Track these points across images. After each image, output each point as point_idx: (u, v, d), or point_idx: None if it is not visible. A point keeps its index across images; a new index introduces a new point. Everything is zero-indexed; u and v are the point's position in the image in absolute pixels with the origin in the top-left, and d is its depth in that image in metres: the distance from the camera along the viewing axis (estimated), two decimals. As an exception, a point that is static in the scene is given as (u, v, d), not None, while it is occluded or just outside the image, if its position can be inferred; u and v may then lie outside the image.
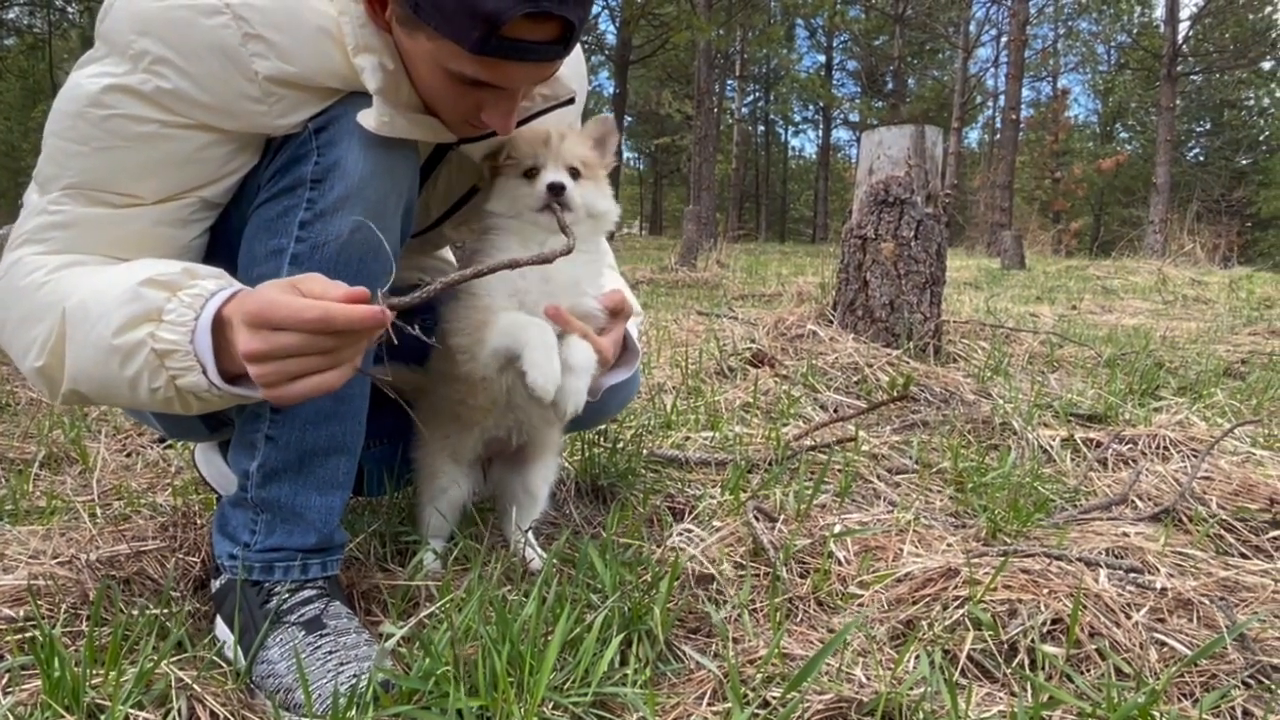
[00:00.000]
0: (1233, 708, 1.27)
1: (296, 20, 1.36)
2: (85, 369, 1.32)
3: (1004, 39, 29.51)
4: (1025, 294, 9.82)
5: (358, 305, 1.14)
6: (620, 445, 2.42)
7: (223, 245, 1.50)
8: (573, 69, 1.71)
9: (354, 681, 1.27)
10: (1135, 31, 32.43)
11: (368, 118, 1.38)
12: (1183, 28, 24.30)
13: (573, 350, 1.58)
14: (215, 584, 1.56)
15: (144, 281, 1.26)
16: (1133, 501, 2.11)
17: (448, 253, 2.22)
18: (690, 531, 1.81)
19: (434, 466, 1.79)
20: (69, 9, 23.78)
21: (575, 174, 1.67)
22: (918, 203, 3.64)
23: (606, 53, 29.13)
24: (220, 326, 1.23)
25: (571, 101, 1.68)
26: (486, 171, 1.74)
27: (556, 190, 1.60)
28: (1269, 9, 31.37)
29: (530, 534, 1.82)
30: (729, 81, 36.69)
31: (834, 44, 43.46)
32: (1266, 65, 34.34)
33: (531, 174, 1.64)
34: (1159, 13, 28.30)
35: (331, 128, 1.41)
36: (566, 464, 2.30)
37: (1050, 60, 39.64)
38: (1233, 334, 6.47)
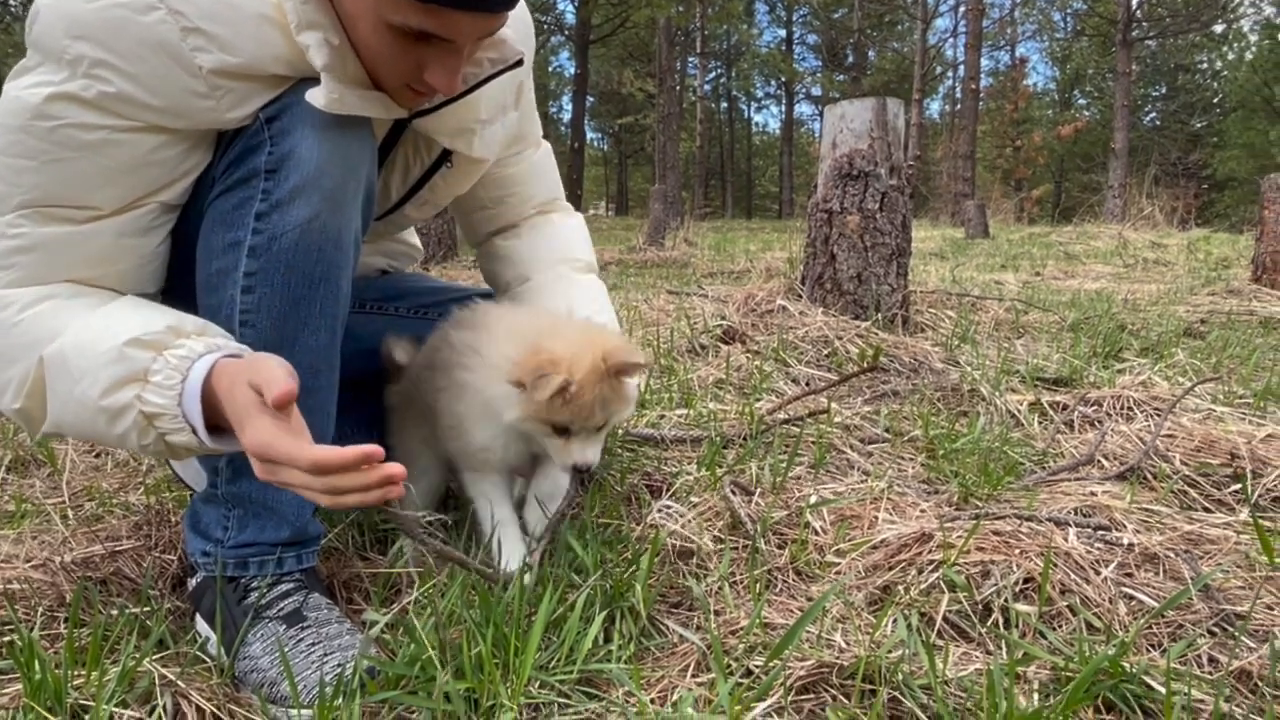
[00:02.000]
0: (1199, 655, 1.31)
1: (235, 9, 1.32)
2: (70, 422, 1.32)
3: (962, 9, 29.67)
4: (990, 262, 9.93)
5: (359, 463, 1.12)
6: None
7: (181, 244, 1.48)
8: (519, 30, 1.67)
9: (339, 670, 1.28)
10: (1091, -2, 32.65)
11: (316, 96, 1.35)
12: (1136, -7, 24.52)
13: (542, 484, 1.69)
14: (192, 582, 1.56)
15: (129, 342, 1.26)
16: (1099, 461, 2.16)
17: (412, 235, 2.19)
18: (669, 508, 1.83)
19: (410, 452, 1.78)
20: (9, 2, 23.04)
21: (602, 426, 1.56)
22: (882, 175, 3.66)
23: (566, 32, 28.90)
24: (209, 390, 1.24)
25: (520, 64, 1.64)
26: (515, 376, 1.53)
27: (584, 470, 1.54)
28: (1220, -27, 31.75)
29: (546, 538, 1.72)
30: (690, 59, 36.55)
31: (794, 18, 43.41)
32: (1219, 29, 34.84)
33: (562, 431, 1.52)
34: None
35: (283, 116, 1.38)
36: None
37: (1008, 29, 39.91)
38: (1192, 295, 6.60)
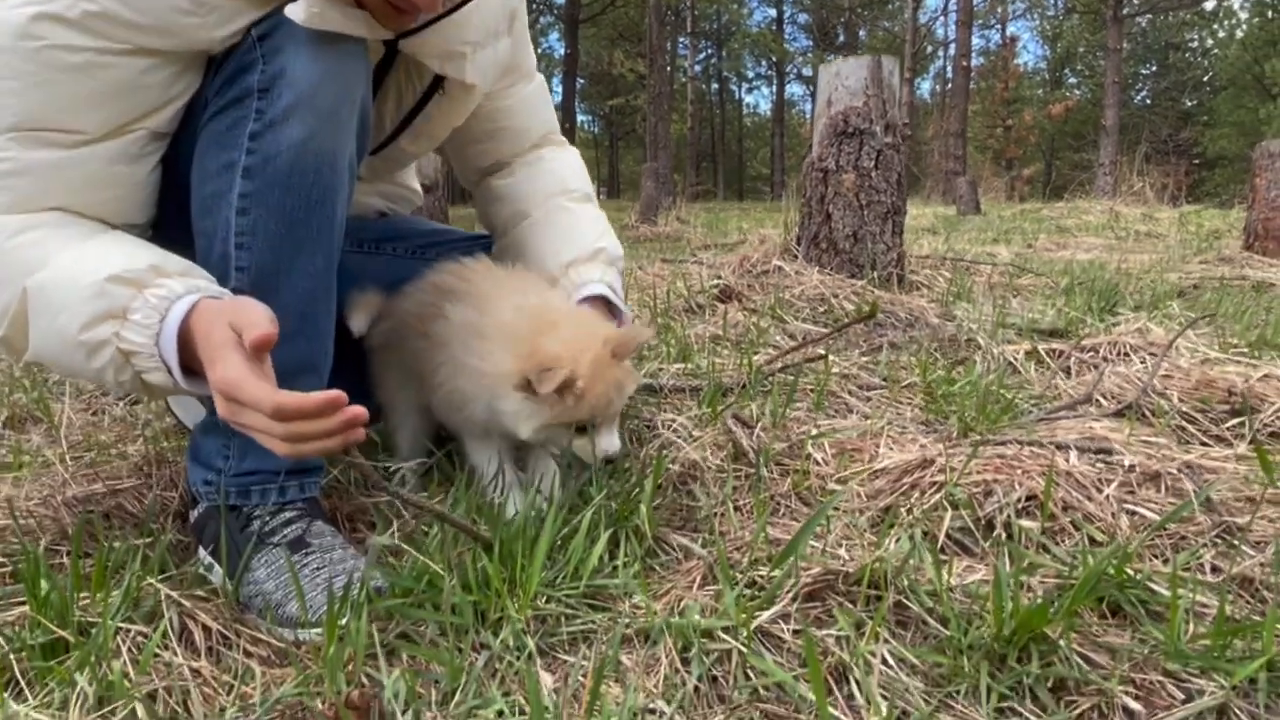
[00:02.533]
0: (1202, 564, 1.32)
1: None
2: (50, 353, 1.31)
3: (953, -13, 29.50)
4: (982, 236, 9.92)
5: (324, 411, 1.11)
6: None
7: (171, 173, 1.46)
8: None
9: (345, 587, 1.27)
10: (1081, -25, 32.58)
11: (296, 10, 1.32)
12: (1127, -31, 24.47)
13: (542, 474, 1.64)
14: (194, 514, 1.55)
15: (110, 278, 1.24)
16: (1097, 400, 2.17)
17: (411, 178, 2.17)
18: (673, 423, 1.83)
19: (393, 398, 1.78)
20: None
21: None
22: (877, 132, 3.65)
23: (556, 12, 28.69)
24: (186, 333, 1.23)
25: None
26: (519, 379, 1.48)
27: (611, 460, 1.52)
28: (1211, -51, 31.73)
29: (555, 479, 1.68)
30: (681, 39, 36.36)
31: (784, -2, 43.23)
32: (1209, 5, 34.82)
33: (582, 429, 1.50)
34: (1104, -45, 28.40)
35: (276, 34, 1.35)
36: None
37: (998, 8, 39.80)
38: (1184, 263, 6.61)
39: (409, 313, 1.72)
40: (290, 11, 1.33)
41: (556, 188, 1.97)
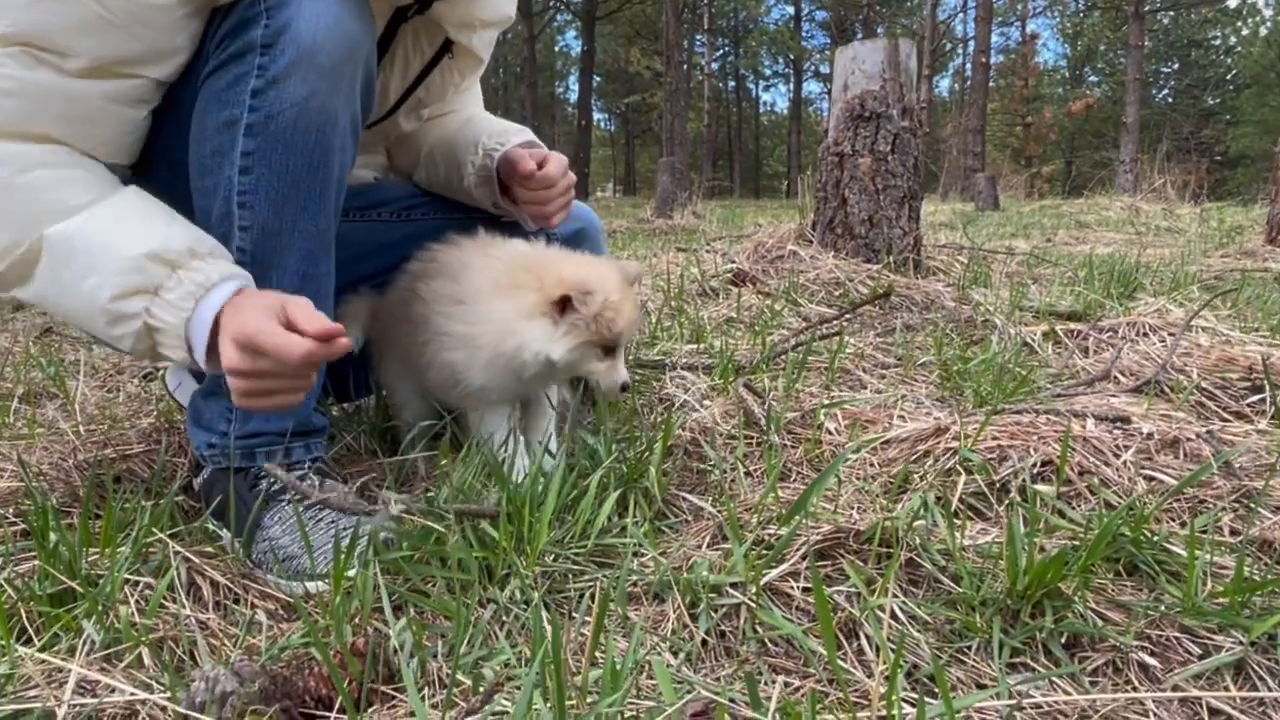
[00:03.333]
0: (1220, 527, 1.30)
1: None
2: (63, 307, 1.31)
3: (972, -17, 29.31)
4: (1000, 231, 9.84)
5: (331, 344, 1.19)
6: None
7: (170, 125, 1.44)
8: None
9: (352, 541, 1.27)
10: (1103, -28, 32.32)
11: None
12: (1149, -35, 24.24)
13: (537, 422, 1.71)
14: (199, 479, 1.54)
15: (149, 254, 1.25)
16: (1115, 377, 2.14)
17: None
18: (685, 391, 1.81)
19: (393, 384, 1.80)
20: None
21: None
22: (894, 116, 3.62)
23: (573, 9, 28.71)
24: (218, 319, 1.26)
25: None
26: (547, 306, 1.49)
27: (627, 389, 1.54)
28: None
29: (552, 439, 1.73)
30: (698, 37, 36.31)
31: (802, -5, 43.07)
32: (1233, 3, 34.44)
33: (609, 351, 1.52)
34: (1125, -49, 28.16)
35: None
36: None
37: (1019, 5, 39.50)
38: (1205, 256, 6.54)
39: (391, 303, 1.75)
40: None
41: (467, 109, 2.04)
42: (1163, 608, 1.10)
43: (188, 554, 1.29)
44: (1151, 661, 1.02)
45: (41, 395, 2.58)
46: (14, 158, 1.27)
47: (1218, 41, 40.28)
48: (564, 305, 1.44)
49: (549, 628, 1.06)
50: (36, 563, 1.24)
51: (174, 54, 1.37)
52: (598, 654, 1.01)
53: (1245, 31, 38.46)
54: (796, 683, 1.02)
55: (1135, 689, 0.99)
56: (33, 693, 0.99)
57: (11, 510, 1.50)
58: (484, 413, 1.63)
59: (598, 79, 40.24)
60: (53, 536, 1.23)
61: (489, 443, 1.58)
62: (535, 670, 0.87)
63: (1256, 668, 1.01)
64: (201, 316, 1.26)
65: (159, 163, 1.46)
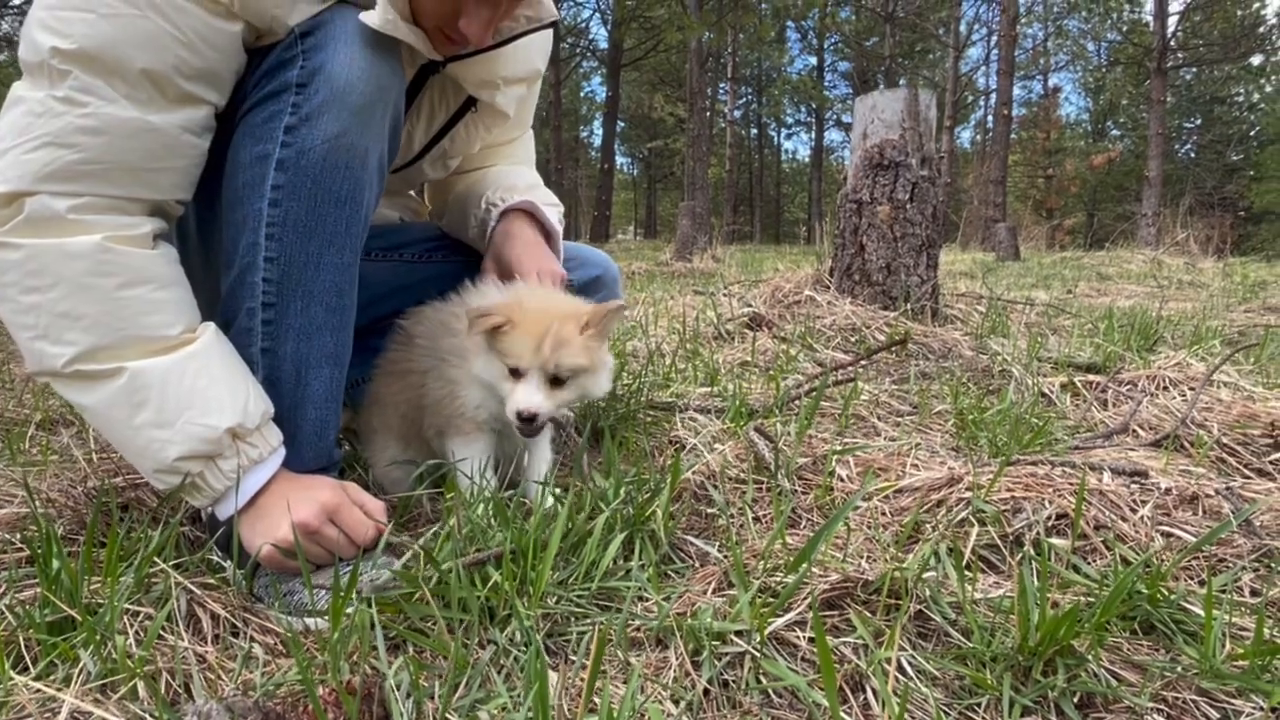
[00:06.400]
0: (1240, 587, 1.26)
1: None
2: (109, 433, 1.37)
3: (994, 37, 29.62)
4: (1021, 282, 9.80)
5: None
6: (620, 394, 2.41)
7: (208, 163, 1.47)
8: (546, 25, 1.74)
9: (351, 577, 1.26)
10: (1125, 29, 32.53)
11: (372, 16, 1.39)
12: (1172, 21, 24.40)
13: (534, 465, 1.72)
14: (207, 510, 1.54)
15: (229, 430, 1.32)
16: (1134, 430, 2.11)
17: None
18: (695, 436, 1.80)
19: (372, 427, 1.81)
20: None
21: (559, 382, 1.54)
22: (912, 165, 3.64)
23: (599, 56, 29.19)
24: (267, 487, 1.38)
25: (555, 25, 1.70)
26: (479, 331, 1.56)
27: (526, 419, 1.51)
28: (1256, 4, 31.55)
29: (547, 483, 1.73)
30: (721, 85, 36.77)
31: (825, 45, 43.55)
32: (1256, 61, 34.50)
33: (515, 374, 1.53)
34: (1148, 6, 28.41)
35: (318, 32, 1.39)
36: (568, 410, 2.29)
37: (1041, 59, 39.78)
38: (1228, 311, 6.47)
39: (391, 362, 1.77)
40: (365, 17, 1.39)
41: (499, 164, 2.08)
42: (1180, 669, 1.06)
43: (189, 585, 1.29)
44: (1168, 725, 0.99)
45: (58, 422, 2.60)
46: (125, 268, 1.30)
47: (1240, 98, 40.32)
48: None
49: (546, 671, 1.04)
50: (38, 590, 1.23)
51: (228, 80, 1.41)
52: (594, 699, 0.99)
53: (1269, 89, 38.49)
54: (799, 736, 1.00)
55: (1150, 753, 0.96)
56: (24, 722, 0.98)
57: (18, 536, 1.50)
58: (461, 442, 1.66)
59: (621, 124, 40.73)
60: (55, 563, 1.23)
61: (459, 468, 1.63)
62: (527, 709, 0.84)
63: (1277, 735, 0.97)
64: (247, 486, 1.36)
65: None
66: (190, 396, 1.32)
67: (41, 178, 1.25)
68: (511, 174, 1.99)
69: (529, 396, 1.50)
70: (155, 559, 1.31)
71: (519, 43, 1.71)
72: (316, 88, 1.37)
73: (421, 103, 1.79)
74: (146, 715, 1.02)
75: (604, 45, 28.46)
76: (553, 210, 1.90)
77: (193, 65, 1.34)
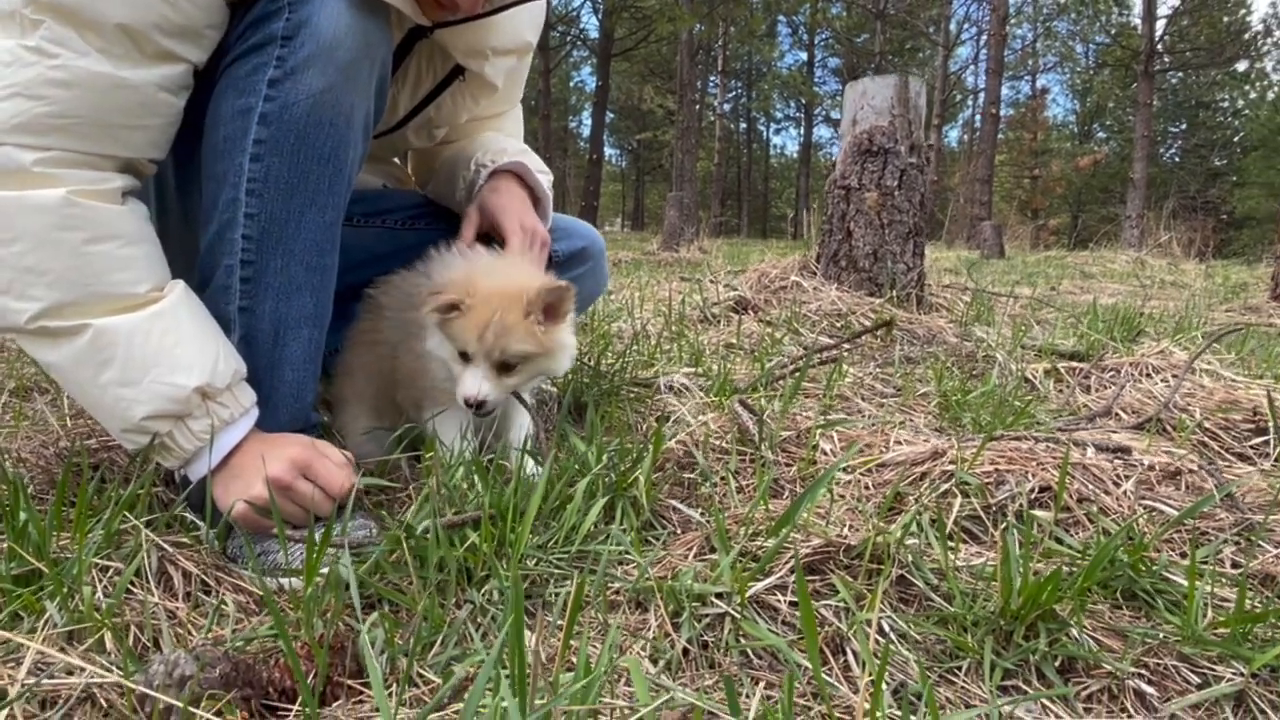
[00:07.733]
0: (1221, 559, 1.26)
1: None
2: (77, 391, 1.33)
3: (984, 36, 29.71)
4: (1005, 279, 9.83)
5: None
6: (604, 370, 2.39)
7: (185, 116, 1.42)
8: (533, 13, 1.75)
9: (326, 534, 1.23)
10: (1113, 31, 32.69)
11: None
12: (1160, 25, 24.54)
13: (514, 432, 1.70)
14: (179, 470, 1.51)
15: (197, 389, 1.30)
16: (1117, 414, 2.11)
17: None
18: (679, 407, 1.78)
19: (343, 396, 1.78)
20: None
21: (508, 367, 1.51)
22: (901, 152, 3.63)
23: (589, 45, 29.07)
24: (237, 449, 1.35)
25: None
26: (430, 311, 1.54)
27: (473, 406, 1.49)
28: (1241, 11, 31.81)
29: (526, 447, 1.71)
30: (711, 78, 36.71)
31: (816, 41, 43.56)
32: (1241, 66, 34.81)
33: (465, 358, 1.51)
34: (1137, 9, 28.57)
35: None
36: (551, 386, 2.27)
37: (1029, 60, 39.95)
38: (1209, 310, 6.52)
39: (362, 332, 1.75)
40: None
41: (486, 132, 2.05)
42: (1161, 635, 1.06)
43: (161, 542, 1.26)
44: (1148, 689, 0.98)
45: (33, 389, 2.56)
46: (91, 223, 1.26)
47: (1225, 104, 40.67)
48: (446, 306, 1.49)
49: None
50: (4, 543, 1.21)
51: (208, 37, 1.36)
52: (570, 654, 0.98)
53: (1253, 95, 38.83)
54: (777, 695, 0.99)
55: (1131, 716, 0.96)
56: (-14, 670, 0.96)
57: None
58: (439, 418, 1.63)
59: (611, 115, 40.66)
60: (22, 515, 1.20)
61: (440, 438, 1.60)
62: (495, 654, 0.83)
63: (1258, 700, 0.97)
64: (219, 447, 1.33)
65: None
66: (157, 355, 1.28)
67: (8, 129, 1.20)
68: (502, 139, 1.97)
69: (475, 385, 1.48)
70: (126, 514, 1.28)
71: (509, 13, 1.68)
72: (302, 41, 1.33)
73: (409, 67, 1.75)
74: (113, 668, 1.00)
75: (595, 34, 28.35)
76: (543, 176, 1.88)
77: (173, 21, 1.30)
